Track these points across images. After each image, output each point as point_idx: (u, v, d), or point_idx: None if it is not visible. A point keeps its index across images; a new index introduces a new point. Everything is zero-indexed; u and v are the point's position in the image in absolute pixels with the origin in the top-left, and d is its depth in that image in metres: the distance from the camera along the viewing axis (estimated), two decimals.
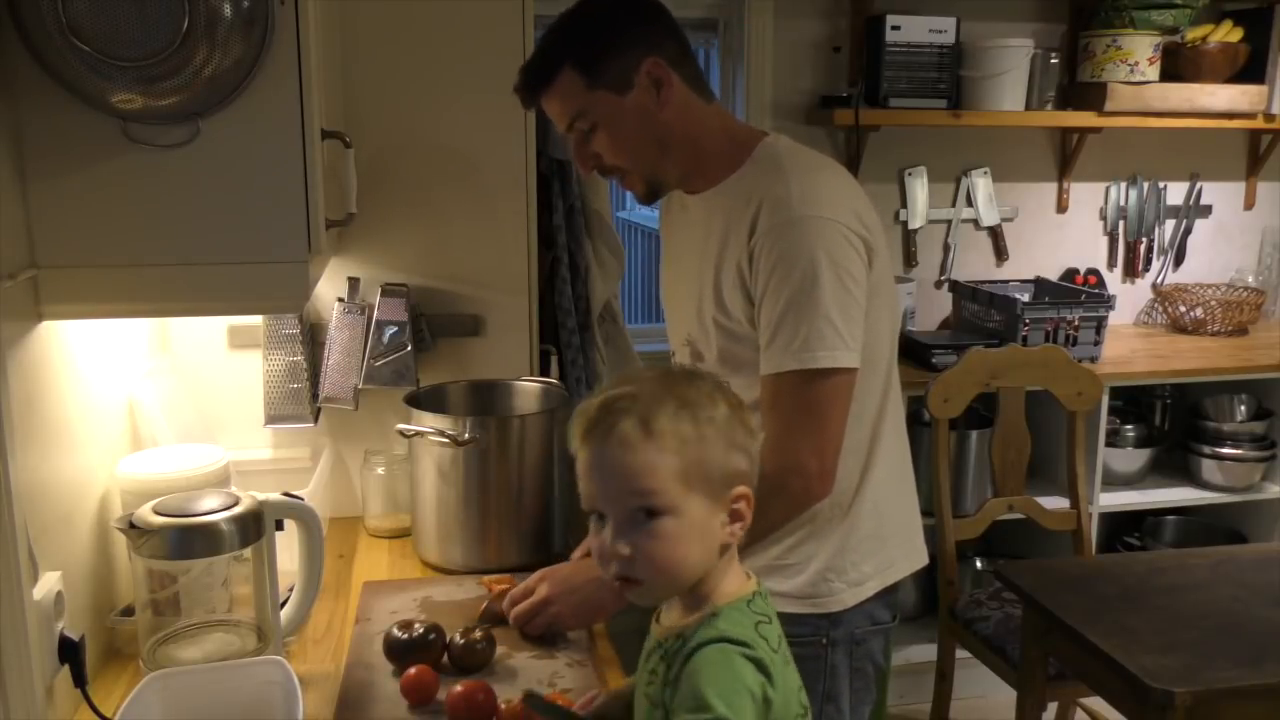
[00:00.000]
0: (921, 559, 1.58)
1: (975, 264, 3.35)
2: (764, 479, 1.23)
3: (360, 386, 1.89)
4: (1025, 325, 2.89)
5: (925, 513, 2.43)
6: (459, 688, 1.27)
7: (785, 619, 1.43)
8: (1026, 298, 3.06)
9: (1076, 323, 2.93)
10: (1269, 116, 3.14)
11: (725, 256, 1.44)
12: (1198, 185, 3.45)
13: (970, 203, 3.29)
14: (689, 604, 1.02)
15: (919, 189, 3.24)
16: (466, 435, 1.68)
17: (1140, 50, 3.00)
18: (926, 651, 2.81)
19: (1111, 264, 3.45)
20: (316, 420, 1.92)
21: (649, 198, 1.53)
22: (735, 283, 1.42)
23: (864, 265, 1.39)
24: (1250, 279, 3.49)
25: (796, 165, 1.43)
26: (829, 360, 1.34)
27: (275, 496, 1.41)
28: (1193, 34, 3.12)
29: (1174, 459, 3.18)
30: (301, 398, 1.91)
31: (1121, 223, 3.42)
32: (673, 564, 0.97)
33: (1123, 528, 3.28)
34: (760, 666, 0.95)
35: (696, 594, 1.01)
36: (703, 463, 0.97)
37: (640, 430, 0.95)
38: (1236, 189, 3.49)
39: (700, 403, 0.98)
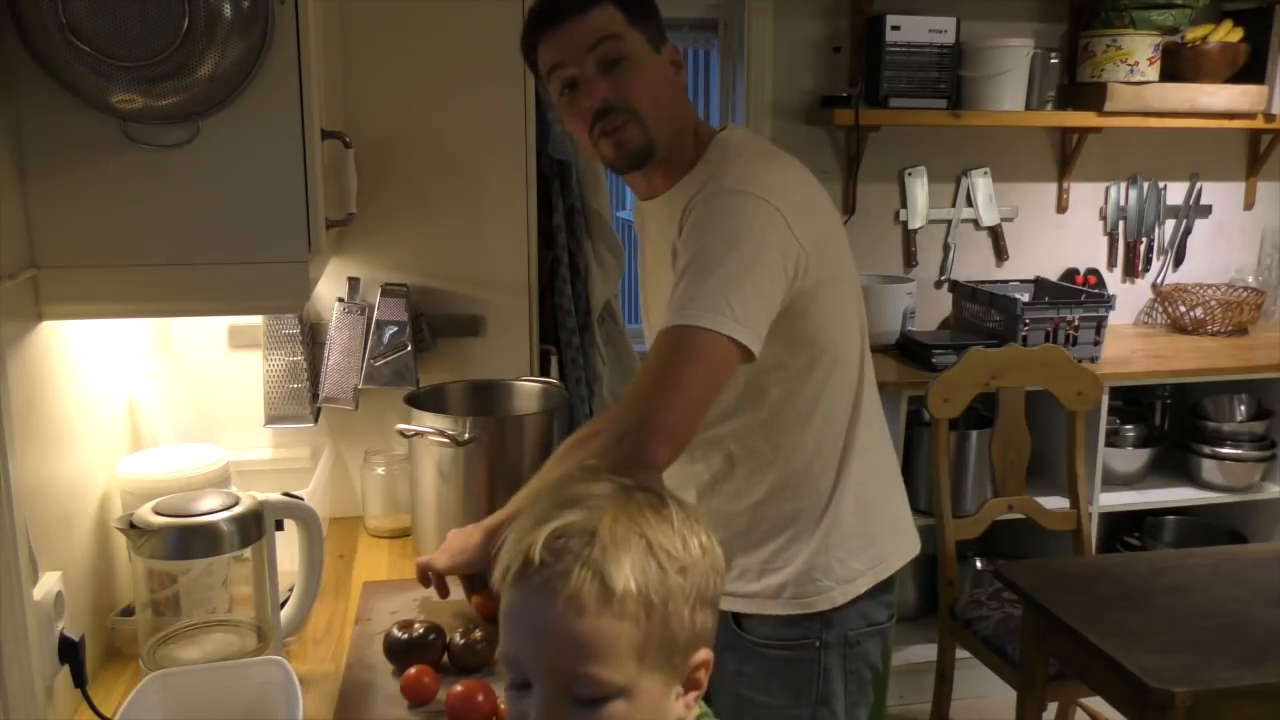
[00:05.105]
0: (913, 548, 1.56)
1: (975, 264, 3.35)
2: (613, 422, 1.24)
3: (360, 386, 1.89)
4: (1025, 325, 2.89)
5: (925, 513, 2.42)
6: (459, 688, 1.27)
7: (778, 621, 1.44)
8: (1026, 298, 3.05)
9: (1076, 323, 2.93)
10: (1269, 116, 3.14)
11: (675, 241, 1.40)
12: (1198, 185, 3.45)
13: (970, 203, 3.29)
14: None
15: (919, 189, 3.24)
16: (466, 435, 1.69)
17: (1140, 50, 3.00)
18: (926, 651, 2.81)
19: (1111, 264, 3.45)
20: (316, 420, 1.92)
21: (634, 159, 1.42)
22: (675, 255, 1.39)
23: (783, 258, 1.32)
24: (1250, 279, 3.49)
25: (745, 152, 1.42)
26: (710, 322, 1.26)
27: (275, 496, 1.41)
28: (1193, 34, 3.12)
29: (1174, 459, 3.17)
30: (301, 398, 1.91)
31: (1121, 223, 3.42)
32: None
33: (1123, 528, 3.28)
34: None
35: None
36: (666, 631, 0.79)
37: (596, 588, 0.77)
38: (1236, 189, 3.49)
39: (670, 545, 0.81)
